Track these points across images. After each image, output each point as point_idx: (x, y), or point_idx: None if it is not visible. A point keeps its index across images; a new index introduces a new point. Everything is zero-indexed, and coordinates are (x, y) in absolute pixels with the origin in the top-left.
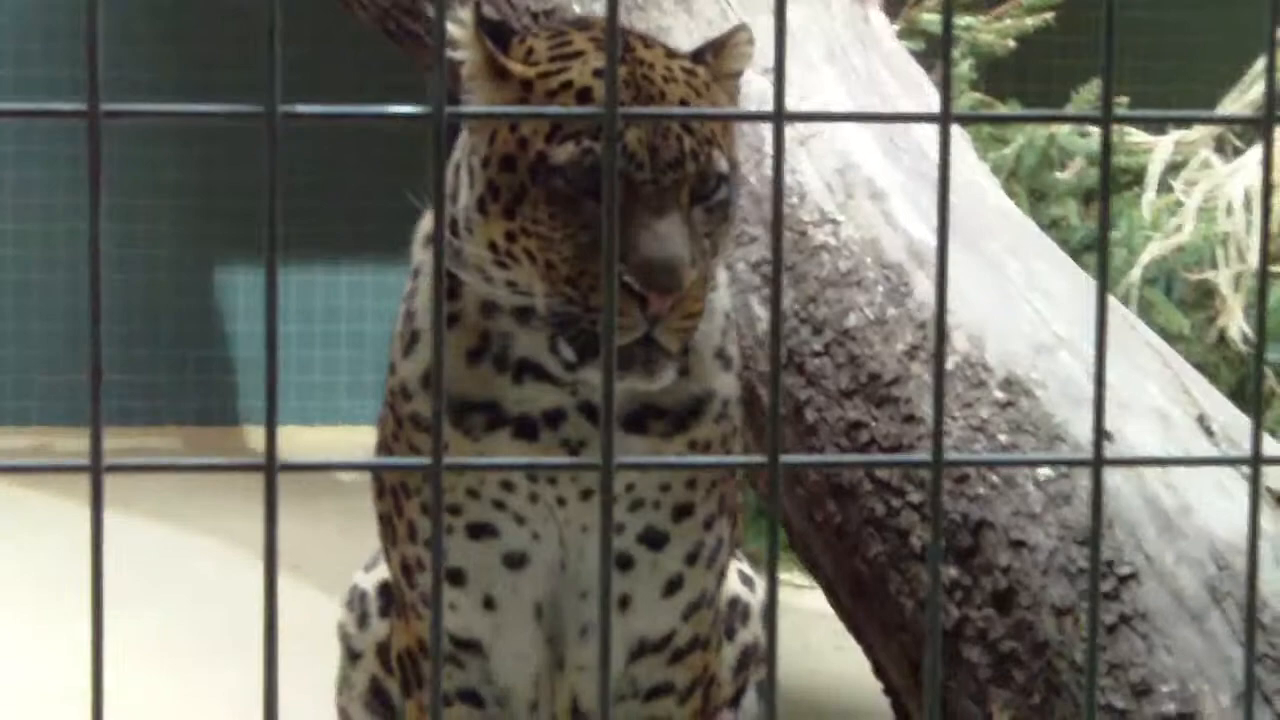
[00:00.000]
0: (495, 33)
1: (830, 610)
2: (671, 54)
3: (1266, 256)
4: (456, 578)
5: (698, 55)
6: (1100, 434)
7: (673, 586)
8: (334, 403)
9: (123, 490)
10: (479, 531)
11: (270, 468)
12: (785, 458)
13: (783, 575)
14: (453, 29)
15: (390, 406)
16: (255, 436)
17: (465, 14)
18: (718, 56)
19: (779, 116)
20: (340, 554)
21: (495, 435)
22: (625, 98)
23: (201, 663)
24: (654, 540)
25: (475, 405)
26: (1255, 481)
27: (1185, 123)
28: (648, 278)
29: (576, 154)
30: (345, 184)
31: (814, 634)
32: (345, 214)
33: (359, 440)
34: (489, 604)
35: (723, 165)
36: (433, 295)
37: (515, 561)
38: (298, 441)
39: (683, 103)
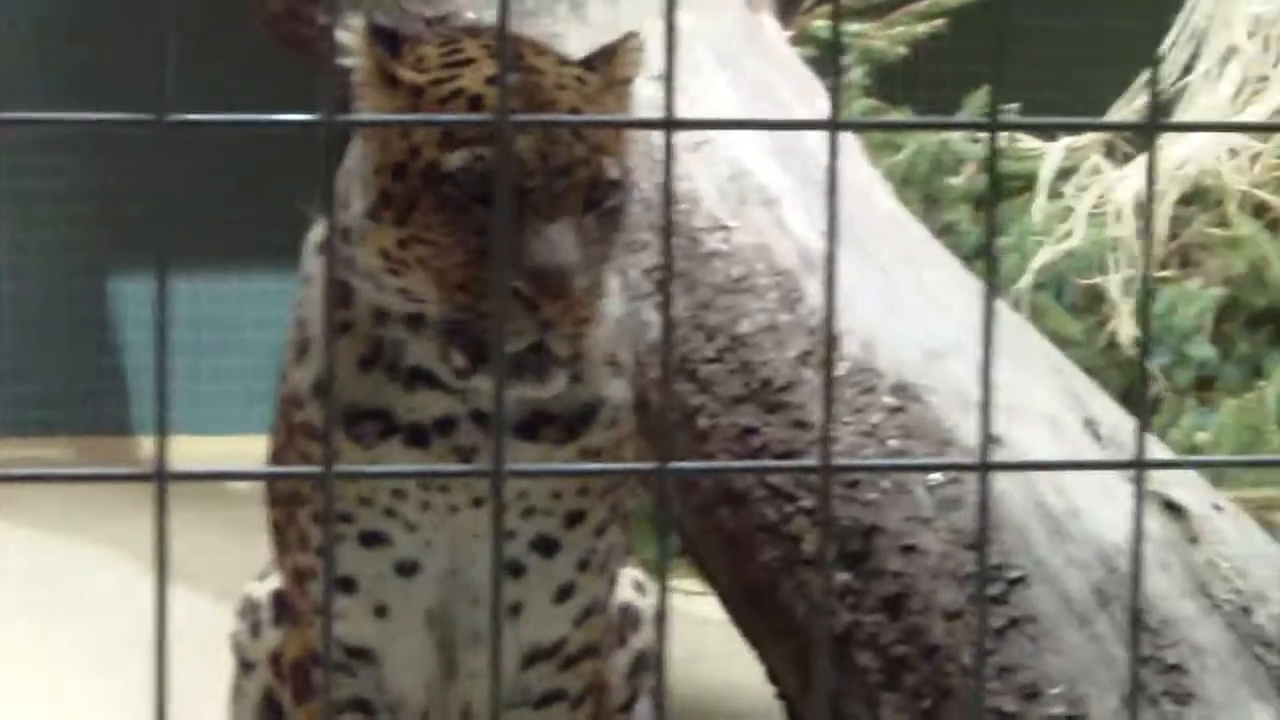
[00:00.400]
0: (386, 40)
1: (723, 617)
2: (563, 61)
3: (1151, 259)
4: (348, 586)
5: (589, 62)
6: (986, 438)
7: (564, 593)
8: (226, 412)
9: (14, 500)
10: (371, 540)
11: (161, 476)
12: (675, 465)
13: (676, 582)
14: (343, 36)
15: (282, 415)
16: (149, 446)
17: (357, 21)
18: (609, 63)
19: (669, 123)
20: (234, 564)
21: (387, 443)
22: (517, 105)
23: (93, 672)
24: (546, 547)
25: (367, 413)
26: (1139, 484)
27: (1076, 130)
28: (539, 284)
29: (468, 161)
30: (236, 193)
31: (706, 640)
32: (236, 222)
33: (251, 450)
34: (381, 612)
35: (614, 172)
36: (324, 303)
37: (407, 569)
38: (190, 451)
39: (574, 110)
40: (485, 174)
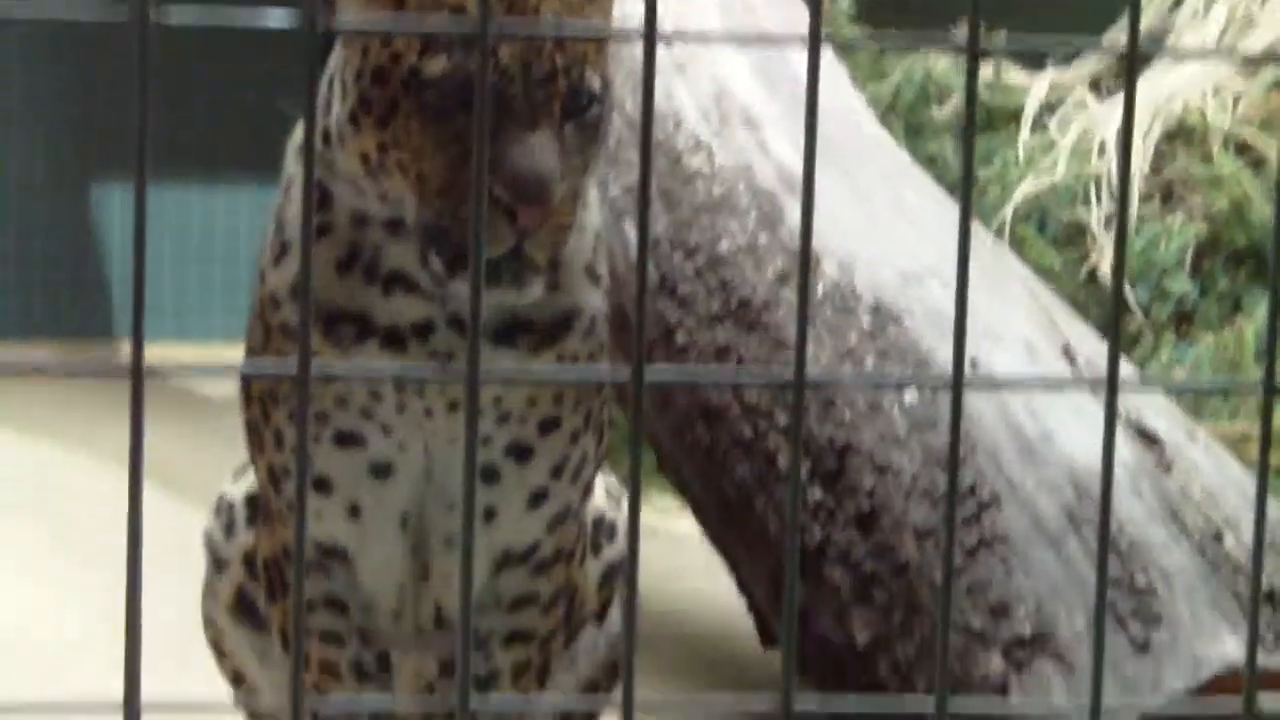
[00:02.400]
0: None
1: (697, 535)
2: None
3: (1129, 178)
4: (323, 486)
5: None
6: (961, 356)
7: (538, 499)
8: (209, 320)
9: None
10: (346, 440)
11: (137, 373)
12: (650, 371)
13: (651, 500)
14: None
15: (259, 316)
16: (127, 352)
17: None
18: None
19: (650, 36)
20: (209, 470)
21: (364, 346)
22: (499, 12)
23: (68, 572)
24: (520, 453)
25: (344, 316)
26: (1110, 405)
27: (1061, 62)
28: (517, 190)
29: (448, 68)
30: (221, 101)
31: (680, 558)
32: (221, 131)
33: (233, 357)
34: (354, 512)
35: (595, 83)
36: (303, 205)
37: (381, 471)
38: (172, 358)
39: (556, 20)
40: (465, 81)
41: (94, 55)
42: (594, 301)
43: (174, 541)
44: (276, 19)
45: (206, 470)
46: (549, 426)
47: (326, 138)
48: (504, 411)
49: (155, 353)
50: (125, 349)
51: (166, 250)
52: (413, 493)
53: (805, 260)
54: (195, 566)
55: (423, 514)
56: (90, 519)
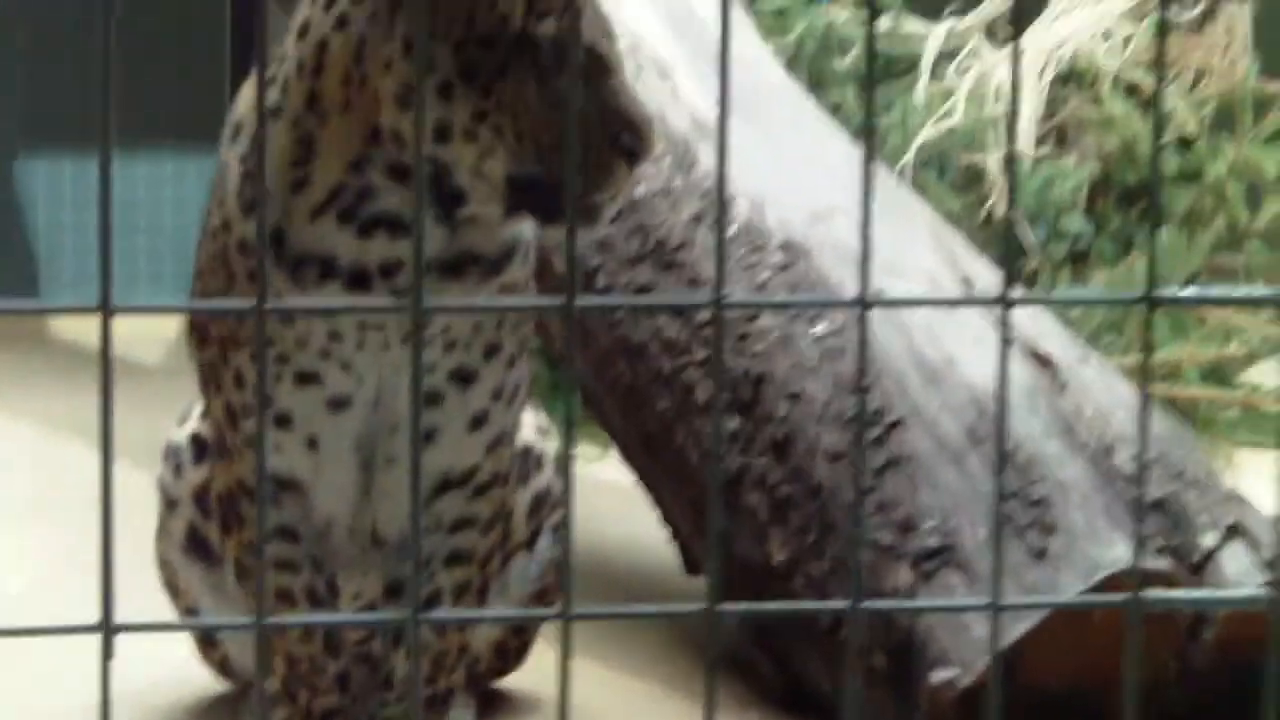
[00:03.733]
0: None
1: (619, 481)
2: None
3: (1017, 113)
4: (283, 421)
5: None
6: (866, 277)
7: (478, 422)
8: (133, 292)
9: None
10: (306, 379)
11: (105, 309)
12: (581, 300)
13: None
14: None
15: (222, 262)
16: (58, 324)
17: None
18: None
19: None
20: (143, 435)
21: (327, 286)
22: None
23: (6, 528)
24: (464, 378)
25: (309, 258)
26: (1004, 323)
27: (957, 11)
28: (640, 134)
29: (555, 28)
30: (140, 74)
31: (603, 502)
32: (143, 103)
33: (159, 330)
34: (312, 444)
35: None
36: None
37: (339, 404)
38: (94, 328)
39: None
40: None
41: (19, 25)
42: (529, 232)
43: (119, 497)
44: None
45: (146, 433)
46: (491, 352)
47: (313, 102)
48: (451, 339)
49: (80, 325)
50: (54, 322)
51: (86, 222)
52: (364, 420)
53: (721, 197)
54: (141, 519)
55: (370, 437)
56: (30, 476)
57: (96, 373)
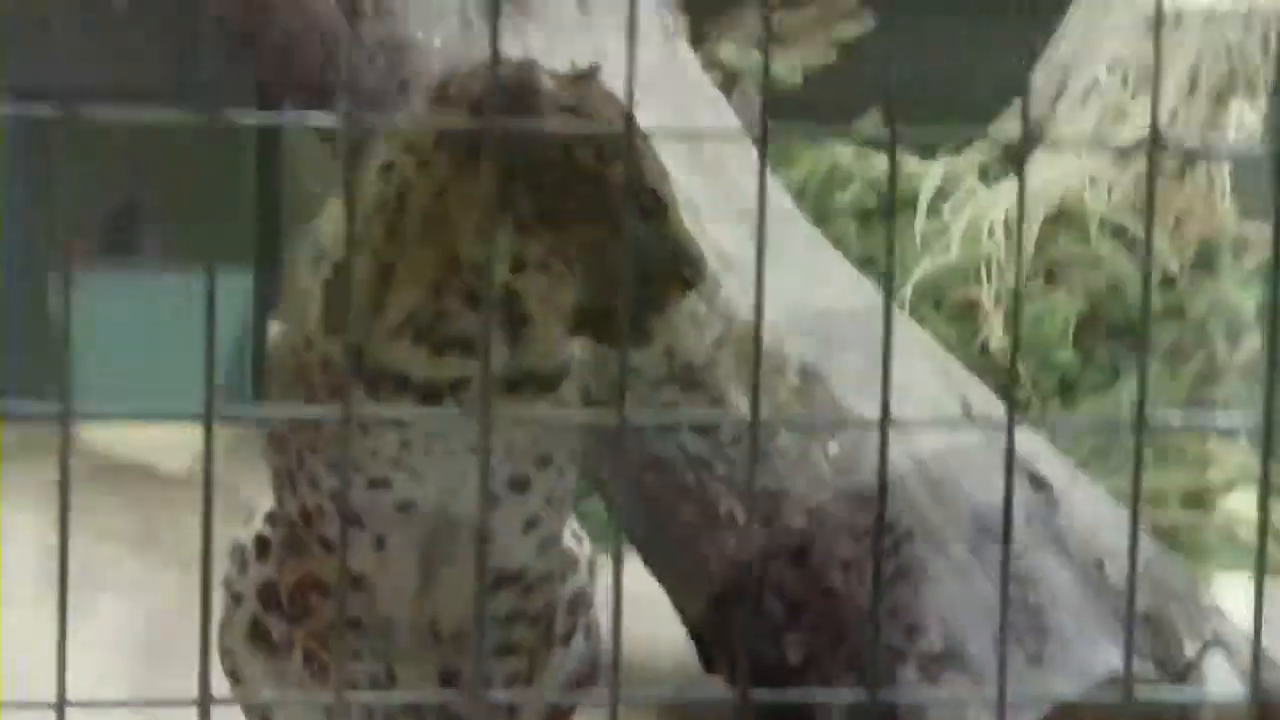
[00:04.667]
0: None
1: (639, 591)
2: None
3: (1021, 262)
4: (353, 521)
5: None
6: (887, 402)
7: (530, 525)
8: (179, 402)
9: None
10: (377, 484)
11: (208, 416)
12: (632, 415)
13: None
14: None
15: (302, 380)
16: (89, 434)
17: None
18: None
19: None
20: (182, 534)
21: (401, 400)
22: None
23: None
24: (519, 484)
25: (387, 375)
26: (1009, 448)
27: (952, 151)
28: (696, 267)
29: (623, 173)
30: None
31: (626, 603)
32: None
33: (143, 434)
34: (380, 544)
35: None
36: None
37: (406, 507)
38: (137, 438)
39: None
40: (637, 183)
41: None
42: (580, 352)
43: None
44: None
45: (177, 535)
46: (544, 462)
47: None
48: (508, 449)
49: (118, 434)
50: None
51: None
52: (428, 522)
53: (758, 334)
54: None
55: (431, 536)
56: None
57: (118, 480)
